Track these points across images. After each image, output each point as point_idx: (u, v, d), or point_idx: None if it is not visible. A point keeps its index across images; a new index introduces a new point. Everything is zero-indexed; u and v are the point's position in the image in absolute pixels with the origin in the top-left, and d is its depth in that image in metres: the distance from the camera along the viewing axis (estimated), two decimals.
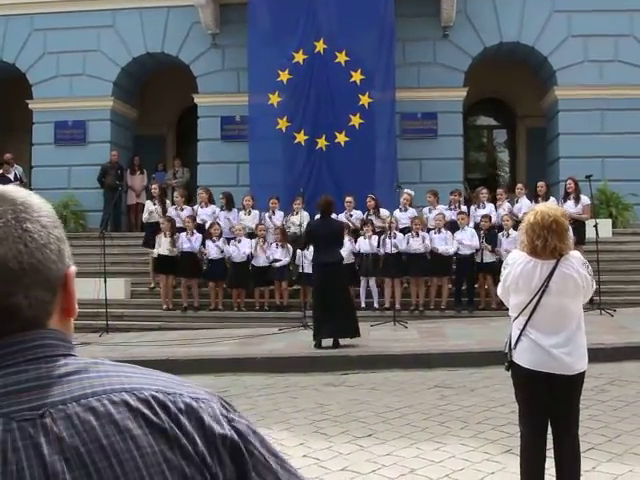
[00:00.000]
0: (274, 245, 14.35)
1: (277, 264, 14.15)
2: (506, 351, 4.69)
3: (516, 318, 4.65)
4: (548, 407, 4.55)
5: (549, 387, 4.51)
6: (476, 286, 14.09)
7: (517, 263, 4.63)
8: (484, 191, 15.32)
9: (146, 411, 1.10)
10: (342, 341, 10.81)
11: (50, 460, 1.03)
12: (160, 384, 1.15)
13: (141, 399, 1.11)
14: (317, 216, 12.16)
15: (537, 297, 4.50)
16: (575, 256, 4.60)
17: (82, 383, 1.10)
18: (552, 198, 14.41)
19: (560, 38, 17.76)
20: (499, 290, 4.89)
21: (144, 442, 1.08)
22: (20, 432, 1.04)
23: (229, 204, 15.49)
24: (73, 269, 1.20)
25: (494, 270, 13.67)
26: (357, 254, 14.09)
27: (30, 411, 1.06)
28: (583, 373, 4.59)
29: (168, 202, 16.12)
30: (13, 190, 1.18)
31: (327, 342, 10.81)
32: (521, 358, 4.57)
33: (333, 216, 12.32)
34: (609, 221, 16.08)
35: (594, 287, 4.68)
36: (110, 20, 18.63)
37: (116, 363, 1.18)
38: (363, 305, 13.98)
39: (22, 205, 1.15)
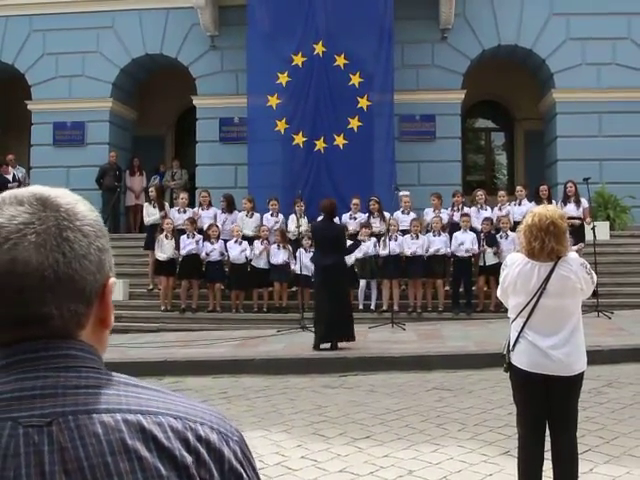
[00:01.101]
0: (274, 246, 14.36)
1: (278, 263, 14.16)
2: (504, 353, 4.71)
3: (514, 320, 4.66)
4: (546, 409, 4.57)
5: (547, 388, 4.52)
6: (474, 288, 14.11)
7: (515, 265, 4.64)
8: (479, 193, 15.35)
9: (159, 435, 1.07)
10: (340, 344, 10.82)
11: (49, 470, 1.02)
12: (181, 410, 1.12)
13: (156, 422, 1.08)
14: (319, 218, 12.17)
15: (535, 299, 4.52)
16: (573, 258, 4.62)
17: (98, 398, 1.08)
18: (554, 202, 14.45)
19: (558, 41, 17.80)
20: (498, 291, 4.92)
21: (151, 465, 1.05)
22: (25, 438, 1.03)
23: (230, 206, 15.51)
24: (113, 280, 1.17)
25: (497, 272, 13.76)
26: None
27: (39, 418, 1.04)
28: (581, 374, 4.59)
29: (166, 204, 16.13)
30: (60, 195, 1.15)
31: (326, 344, 10.82)
32: (519, 360, 4.59)
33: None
34: (607, 223, 16.10)
35: (594, 281, 4.68)
36: (109, 21, 18.64)
37: (140, 384, 1.15)
38: (361, 307, 13.99)
39: (66, 212, 1.12)
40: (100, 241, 1.15)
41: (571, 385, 4.56)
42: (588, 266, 4.65)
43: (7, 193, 1.15)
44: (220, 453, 1.11)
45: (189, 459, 1.08)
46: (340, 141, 16.97)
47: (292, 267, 14.16)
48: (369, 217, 14.86)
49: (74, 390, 1.08)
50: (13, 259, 1.06)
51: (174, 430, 1.08)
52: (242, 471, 1.13)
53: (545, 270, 4.51)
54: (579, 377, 4.59)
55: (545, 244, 4.46)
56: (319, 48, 17.04)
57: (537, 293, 4.51)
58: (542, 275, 4.51)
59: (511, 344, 4.65)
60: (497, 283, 13.80)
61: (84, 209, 1.16)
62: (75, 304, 1.10)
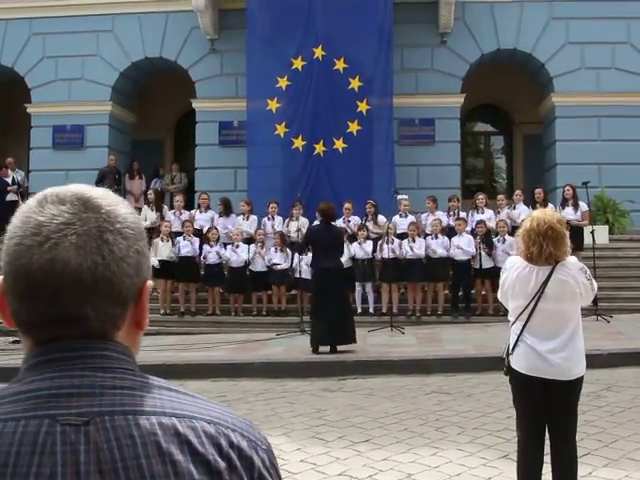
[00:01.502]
0: (273, 249, 14.37)
1: (278, 267, 14.17)
2: (504, 356, 4.71)
3: (513, 323, 4.67)
4: (545, 412, 4.57)
5: (546, 392, 4.52)
6: (473, 292, 14.11)
7: (514, 268, 4.65)
8: (480, 197, 15.36)
9: (193, 439, 1.07)
10: (339, 347, 10.82)
11: (84, 470, 1.02)
12: (214, 415, 1.13)
13: (190, 427, 1.09)
14: (316, 222, 12.17)
15: (533, 303, 4.52)
16: (572, 262, 4.62)
17: (134, 400, 1.08)
18: (550, 205, 14.45)
19: (557, 45, 17.82)
20: (499, 294, 4.92)
21: (184, 469, 1.05)
22: (62, 436, 1.03)
23: (227, 210, 15.52)
24: (150, 283, 1.18)
25: (492, 275, 13.77)
26: (353, 259, 14.10)
27: (76, 417, 1.04)
28: (581, 378, 4.59)
29: (165, 207, 16.13)
30: (101, 196, 1.15)
31: (325, 347, 10.82)
32: (518, 363, 4.59)
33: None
34: (606, 227, 16.11)
35: (595, 290, 4.66)
36: (109, 25, 18.66)
37: (174, 388, 1.15)
38: (359, 310, 13.99)
39: (107, 214, 1.12)
40: (139, 244, 1.15)
41: (570, 389, 4.56)
42: (588, 272, 4.63)
43: (49, 191, 1.15)
44: (250, 460, 1.12)
45: (222, 465, 1.08)
46: (340, 145, 16.98)
47: (285, 266, 14.18)
48: (365, 220, 14.87)
49: (111, 390, 1.08)
50: (53, 259, 1.07)
51: (208, 435, 1.09)
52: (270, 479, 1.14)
53: (543, 274, 4.51)
54: (578, 381, 4.58)
55: (543, 249, 4.46)
56: (319, 52, 17.06)
57: (535, 297, 4.51)
58: (540, 279, 4.51)
59: (510, 347, 4.65)
60: (493, 286, 13.90)
61: (125, 211, 1.16)
62: (112, 306, 1.11)
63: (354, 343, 10.85)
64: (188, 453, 1.06)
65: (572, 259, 4.66)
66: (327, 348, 10.81)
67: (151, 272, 1.19)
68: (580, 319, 4.66)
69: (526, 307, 4.55)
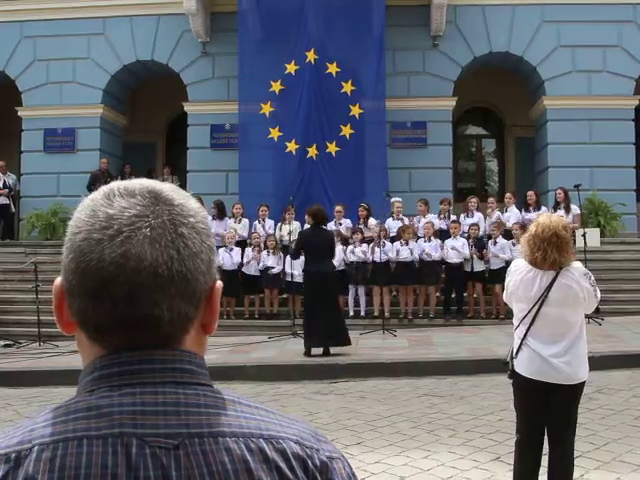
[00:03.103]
0: (265, 253, 14.35)
1: (271, 271, 14.16)
2: (508, 359, 4.71)
3: (517, 327, 4.67)
4: (546, 416, 4.57)
5: (548, 396, 4.52)
6: (465, 295, 14.13)
7: (518, 272, 4.65)
8: (473, 200, 15.39)
9: (282, 464, 1.02)
10: (332, 349, 10.82)
11: None
12: (297, 433, 1.07)
13: (278, 449, 1.03)
14: (307, 225, 12.16)
15: (536, 307, 4.52)
16: (576, 267, 4.60)
17: (220, 419, 1.03)
18: (544, 208, 14.49)
19: (549, 48, 17.87)
20: (504, 296, 4.94)
21: None
22: (153, 460, 0.97)
23: (221, 213, 15.50)
24: (220, 283, 1.12)
25: (484, 278, 13.81)
26: (346, 262, 14.09)
27: (165, 438, 0.98)
28: (583, 383, 4.60)
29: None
30: (171, 190, 1.10)
31: (317, 350, 10.81)
32: (521, 367, 4.59)
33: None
34: (597, 230, 16.13)
35: (598, 297, 4.65)
36: (100, 28, 18.63)
37: (252, 403, 1.09)
38: (351, 313, 13.98)
39: (179, 207, 1.06)
40: (210, 240, 1.10)
41: (572, 394, 4.56)
42: (592, 278, 4.61)
43: (115, 184, 1.08)
44: None
45: None
46: (333, 148, 17.01)
47: (278, 270, 14.17)
48: (357, 223, 14.88)
49: (195, 409, 1.02)
50: (125, 253, 1.00)
51: (296, 457, 1.04)
52: None
53: (547, 279, 4.51)
54: (580, 386, 4.59)
55: (547, 255, 4.46)
56: (311, 56, 17.07)
57: (539, 301, 4.51)
58: (544, 283, 4.51)
59: (514, 351, 4.65)
60: (484, 290, 13.92)
61: (196, 206, 1.11)
62: (186, 306, 1.04)
63: (349, 345, 10.85)
64: (278, 479, 1.01)
65: (577, 264, 4.65)
66: (320, 350, 10.80)
67: (218, 273, 1.14)
68: (584, 324, 4.66)
69: (529, 311, 4.55)
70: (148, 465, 0.96)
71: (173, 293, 1.02)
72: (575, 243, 13.90)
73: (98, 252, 1.00)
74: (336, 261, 12.52)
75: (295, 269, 13.25)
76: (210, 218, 15.40)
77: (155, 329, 1.02)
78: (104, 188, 1.08)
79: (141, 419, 0.99)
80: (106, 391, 1.02)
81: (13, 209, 18.55)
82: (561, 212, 14.37)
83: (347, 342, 10.81)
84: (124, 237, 1.00)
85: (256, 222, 15.27)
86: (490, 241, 14.02)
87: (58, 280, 1.06)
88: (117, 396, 1.01)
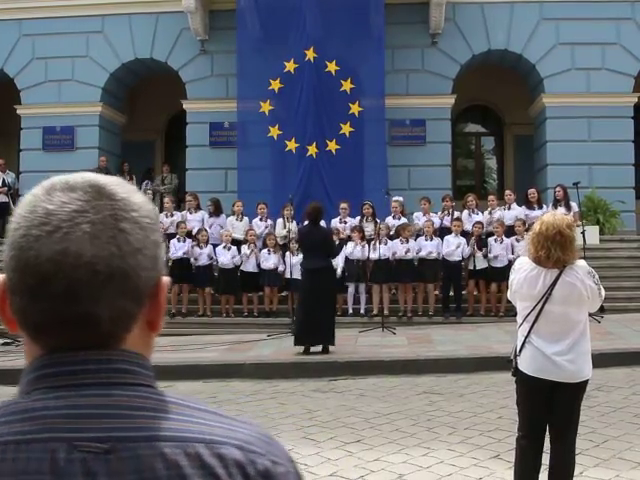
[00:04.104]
0: (265, 251, 14.34)
1: (279, 269, 14.16)
2: (512, 357, 4.71)
3: (521, 324, 4.67)
4: (548, 414, 4.57)
5: (551, 394, 4.52)
6: (464, 292, 14.12)
7: (522, 269, 4.64)
8: (470, 198, 15.38)
9: (219, 470, 0.97)
10: (331, 348, 10.81)
11: None
12: (242, 438, 1.03)
13: (217, 455, 0.98)
14: (305, 222, 12.16)
15: (540, 305, 4.51)
16: (580, 265, 4.59)
17: (158, 423, 0.98)
18: (545, 206, 14.48)
19: (548, 46, 17.86)
20: (508, 294, 4.94)
21: None
22: (82, 465, 0.94)
23: (217, 210, 15.49)
24: (166, 279, 1.08)
25: (486, 276, 13.80)
26: (346, 260, 14.07)
27: (96, 442, 0.95)
28: (586, 381, 4.60)
29: (156, 208, 16.07)
30: (114, 184, 1.05)
31: (316, 348, 10.82)
32: (525, 365, 4.58)
33: (322, 223, 12.29)
34: (596, 228, 16.14)
35: (602, 296, 4.64)
36: (99, 26, 18.61)
37: (201, 406, 1.05)
38: (351, 311, 13.99)
39: (122, 202, 1.02)
40: (156, 235, 1.06)
41: (575, 392, 4.56)
42: (596, 276, 4.60)
43: (57, 178, 1.05)
44: None
45: None
46: (332, 146, 17.01)
47: (280, 268, 14.16)
48: (361, 221, 14.85)
49: (132, 412, 0.99)
50: (64, 250, 0.96)
51: (236, 463, 0.99)
52: None
53: (551, 277, 4.50)
54: (583, 384, 4.59)
55: (551, 253, 4.45)
56: (310, 54, 17.06)
57: (542, 299, 4.50)
58: (548, 281, 4.50)
59: (518, 349, 4.65)
60: (487, 287, 13.91)
61: (141, 200, 1.07)
62: (127, 303, 1.00)
63: (331, 345, 10.82)
64: None
65: (581, 262, 4.64)
66: (319, 348, 10.80)
67: (165, 268, 1.10)
68: (587, 322, 4.65)
69: (533, 309, 4.55)
70: (75, 471, 0.93)
71: (113, 290, 0.99)
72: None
73: (36, 249, 0.97)
74: (338, 259, 12.56)
75: (294, 267, 13.24)
76: (207, 215, 15.42)
77: (94, 328, 0.99)
78: (45, 183, 1.05)
79: (73, 423, 0.96)
80: (41, 393, 0.99)
81: (12, 207, 18.48)
82: (562, 209, 14.35)
83: (330, 342, 10.78)
84: (63, 233, 0.98)
85: (255, 220, 15.25)
86: (491, 238, 13.99)
87: (1, 277, 1.03)
88: (52, 399, 0.98)
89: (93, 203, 1.01)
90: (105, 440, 0.95)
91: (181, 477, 0.95)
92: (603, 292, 4.65)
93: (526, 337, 4.59)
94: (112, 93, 19.29)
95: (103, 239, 0.98)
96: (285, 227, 14.58)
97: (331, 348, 10.81)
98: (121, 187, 1.05)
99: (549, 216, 4.66)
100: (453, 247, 13.85)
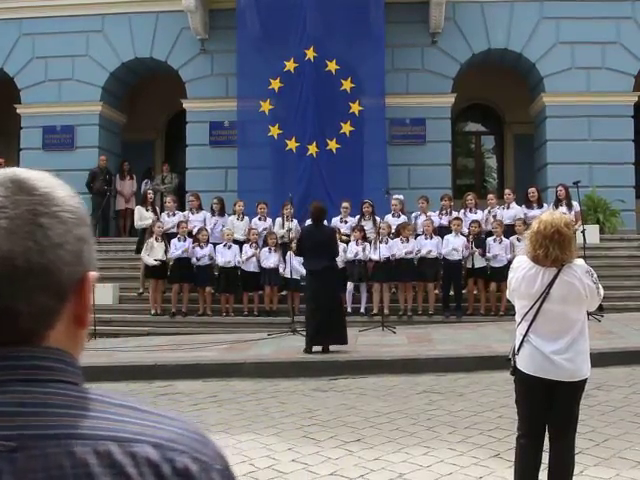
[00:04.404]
0: (266, 250, 14.33)
1: (280, 269, 14.15)
2: (510, 356, 4.71)
3: (519, 323, 4.66)
4: (547, 413, 4.57)
5: (550, 393, 4.52)
6: (464, 291, 14.12)
7: (520, 268, 4.64)
8: (469, 197, 15.36)
9: (130, 469, 0.95)
10: (331, 347, 10.82)
11: None
12: (162, 435, 1.00)
13: (129, 453, 0.96)
14: (308, 222, 12.16)
15: (538, 303, 4.51)
16: (579, 264, 4.59)
17: (70, 420, 0.96)
18: (545, 205, 14.47)
19: (548, 45, 17.86)
20: (507, 293, 4.93)
21: None
22: None
23: (222, 209, 15.48)
24: (93, 274, 1.06)
25: (485, 275, 13.80)
26: (347, 260, 14.07)
27: (3, 440, 0.93)
28: (584, 380, 4.59)
29: (157, 208, 16.10)
30: (37, 178, 1.04)
31: (316, 347, 10.82)
32: (523, 364, 4.58)
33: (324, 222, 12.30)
34: (597, 227, 16.15)
35: (601, 295, 4.64)
36: (99, 25, 18.62)
37: (126, 403, 1.03)
38: (349, 310, 13.99)
39: (42, 197, 1.01)
40: (80, 230, 1.04)
41: (573, 391, 4.55)
42: (595, 275, 4.59)
43: None
44: None
45: None
46: (333, 146, 17.02)
47: (281, 271, 14.15)
48: (360, 220, 14.85)
49: (43, 409, 0.96)
50: None
51: (149, 462, 0.96)
52: None
53: (549, 275, 4.50)
54: (582, 383, 4.58)
55: (549, 252, 4.45)
56: (310, 54, 17.06)
57: (540, 298, 4.50)
58: (546, 280, 4.50)
59: (516, 348, 4.65)
60: (485, 286, 13.90)
61: (64, 194, 1.05)
62: (48, 299, 0.99)
63: (345, 344, 10.85)
64: None
65: (579, 261, 4.64)
66: (319, 347, 10.81)
67: (95, 263, 1.07)
68: (586, 321, 4.64)
69: (531, 308, 4.54)
70: None
71: (32, 286, 0.97)
72: (576, 240, 13.92)
73: None
74: (339, 259, 12.56)
75: (294, 266, 13.24)
76: (210, 214, 15.40)
77: (14, 324, 0.98)
78: None
79: None
80: None
81: None
82: (563, 209, 14.35)
83: (343, 341, 10.83)
84: None
85: (255, 219, 15.23)
86: (492, 238, 13.98)
87: None
88: None
89: (12, 198, 1.00)
90: (15, 438, 0.93)
91: (88, 475, 0.93)
92: (602, 291, 4.64)
93: (524, 336, 4.59)
94: (112, 92, 19.29)
95: (20, 234, 0.97)
96: (284, 226, 14.59)
97: (331, 347, 10.81)
98: (44, 182, 1.04)
99: (547, 215, 4.66)
100: (452, 247, 13.83)
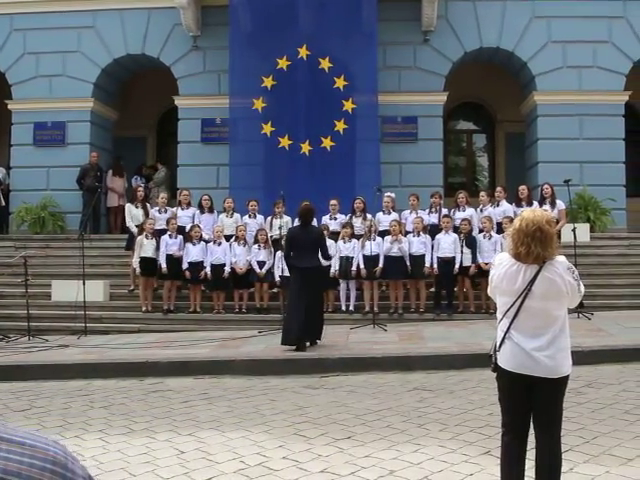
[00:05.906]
0: (256, 247, 14.32)
1: (263, 269, 14.13)
2: (491, 353, 4.71)
3: (501, 320, 4.67)
4: (530, 410, 4.57)
5: (532, 390, 4.53)
6: (455, 289, 14.13)
7: (502, 265, 4.64)
8: (461, 195, 15.36)
9: None
10: (320, 342, 10.84)
11: None
12: (5, 468, 0.95)
13: None
14: (296, 222, 12.16)
15: (520, 300, 4.51)
16: (560, 261, 4.60)
17: None
18: (535, 203, 14.49)
19: (540, 44, 17.90)
20: (489, 290, 4.93)
21: None
22: None
23: (212, 207, 15.46)
24: None
25: (474, 273, 13.81)
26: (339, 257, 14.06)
27: None
28: (566, 377, 4.60)
29: (148, 205, 16.07)
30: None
31: (309, 348, 10.84)
32: (504, 360, 4.58)
33: (314, 222, 12.29)
34: (587, 225, 16.21)
35: (582, 292, 4.64)
36: (90, 21, 18.56)
37: None
38: (343, 308, 14.01)
39: None
40: None
41: (555, 387, 4.55)
42: (576, 272, 4.60)
43: None
44: None
45: None
46: (327, 143, 17.03)
47: (268, 266, 14.15)
48: (351, 217, 14.84)
49: None
50: None
51: None
52: None
53: (531, 272, 4.50)
54: (564, 380, 4.58)
55: (531, 249, 4.45)
56: (303, 51, 17.06)
57: (522, 294, 4.51)
58: (527, 277, 4.50)
59: (497, 345, 4.65)
60: (473, 284, 13.91)
61: None
62: None
63: (318, 340, 11.03)
64: None
65: (561, 258, 4.64)
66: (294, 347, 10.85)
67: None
68: (567, 318, 4.65)
69: (512, 304, 4.55)
70: None
71: None
72: (560, 238, 13.94)
73: None
74: (331, 260, 12.62)
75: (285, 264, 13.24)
76: (199, 211, 15.38)
77: None
78: None
79: None
80: None
81: (3, 203, 18.49)
82: (546, 207, 14.36)
83: (318, 337, 11.01)
84: None
85: (246, 217, 15.22)
86: (482, 234, 13.99)
87: None
88: None
89: None
90: None
91: None
92: (582, 288, 4.65)
93: (506, 333, 4.59)
94: (104, 89, 19.24)
95: None
96: (273, 225, 14.61)
97: (322, 344, 10.83)
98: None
99: (529, 212, 4.66)
100: (446, 245, 13.85)
